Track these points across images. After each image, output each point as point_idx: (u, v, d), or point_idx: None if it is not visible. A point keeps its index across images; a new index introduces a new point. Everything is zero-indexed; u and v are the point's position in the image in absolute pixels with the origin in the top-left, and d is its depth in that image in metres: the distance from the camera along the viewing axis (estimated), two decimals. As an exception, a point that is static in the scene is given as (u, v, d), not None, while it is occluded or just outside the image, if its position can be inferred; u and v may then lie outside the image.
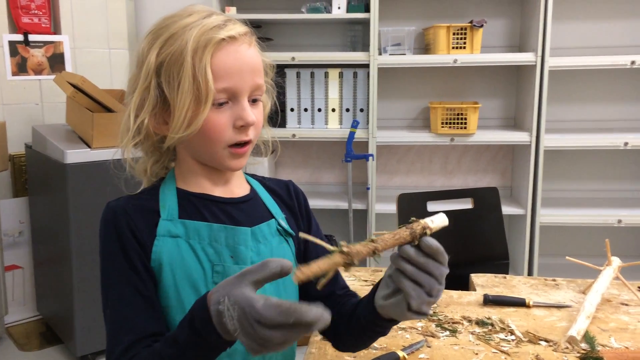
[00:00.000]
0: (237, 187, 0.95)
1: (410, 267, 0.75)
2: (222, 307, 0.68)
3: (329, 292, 0.97)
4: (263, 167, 2.77)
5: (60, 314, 2.59)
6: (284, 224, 0.95)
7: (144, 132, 0.87)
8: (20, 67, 2.74)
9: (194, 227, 0.87)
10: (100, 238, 0.88)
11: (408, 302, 0.76)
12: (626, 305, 1.37)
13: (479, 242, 1.98)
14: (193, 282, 0.85)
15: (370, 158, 2.80)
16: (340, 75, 2.88)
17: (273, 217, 0.95)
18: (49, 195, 2.55)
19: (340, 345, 1.00)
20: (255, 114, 0.86)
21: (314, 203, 2.96)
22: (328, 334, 0.98)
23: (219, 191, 0.92)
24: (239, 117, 0.84)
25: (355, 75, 2.87)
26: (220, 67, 0.82)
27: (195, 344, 0.72)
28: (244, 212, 0.92)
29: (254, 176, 1.02)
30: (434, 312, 1.32)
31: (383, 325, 0.85)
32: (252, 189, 0.97)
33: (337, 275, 1.00)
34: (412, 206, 1.95)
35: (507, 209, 2.74)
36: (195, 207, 0.89)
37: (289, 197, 1.01)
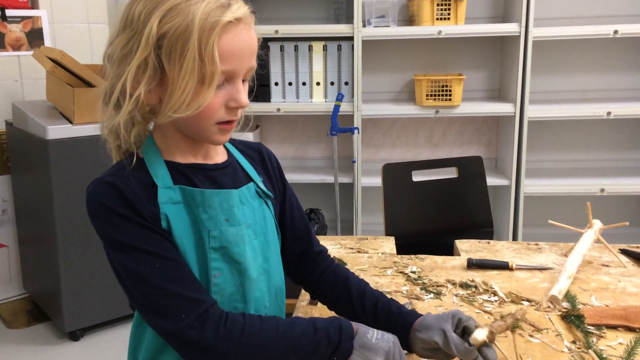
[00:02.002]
0: (218, 155, 0.95)
1: None
2: (371, 329, 0.86)
3: (306, 249, 1.05)
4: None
5: (47, 292, 2.58)
6: (262, 186, 0.96)
7: (137, 103, 0.83)
8: (-2, 43, 2.68)
9: (190, 193, 0.86)
10: (102, 217, 0.82)
11: None
12: (607, 266, 1.39)
13: (463, 211, 2.00)
14: (194, 248, 0.85)
15: (356, 131, 2.80)
16: (324, 48, 2.86)
17: (252, 180, 0.96)
18: (31, 172, 2.52)
19: (328, 306, 1.05)
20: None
21: (300, 177, 2.97)
22: (312, 291, 1.06)
23: (202, 159, 0.92)
24: (233, 98, 0.84)
25: (339, 48, 2.85)
26: (224, 50, 0.80)
27: (328, 333, 0.83)
28: (228, 176, 0.93)
29: None
30: (418, 277, 1.33)
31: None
32: (230, 154, 0.98)
33: (311, 234, 1.06)
34: (397, 176, 1.95)
35: (491, 180, 2.77)
36: (185, 175, 0.88)
37: (262, 160, 1.03)
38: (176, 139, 0.89)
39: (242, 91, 0.85)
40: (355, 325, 0.86)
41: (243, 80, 0.86)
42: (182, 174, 0.88)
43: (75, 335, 2.47)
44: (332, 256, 1.21)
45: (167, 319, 0.80)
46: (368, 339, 0.84)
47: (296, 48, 2.86)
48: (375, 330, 0.86)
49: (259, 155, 1.03)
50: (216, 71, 0.79)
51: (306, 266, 1.05)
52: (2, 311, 2.73)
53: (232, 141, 1.02)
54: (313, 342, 0.83)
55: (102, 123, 0.89)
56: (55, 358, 2.36)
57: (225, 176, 0.92)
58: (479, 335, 0.86)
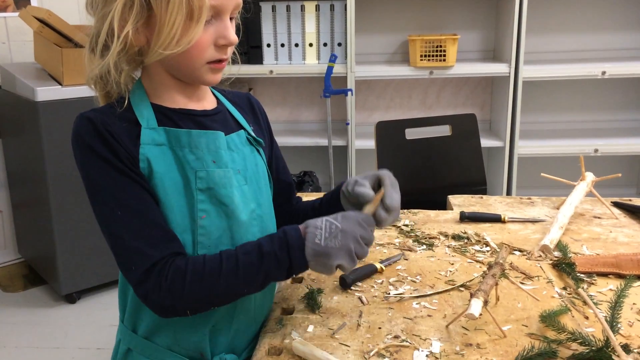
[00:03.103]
0: (207, 101, 0.95)
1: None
2: (320, 224, 0.82)
3: (286, 201, 1.09)
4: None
5: (42, 255, 2.58)
6: (253, 134, 0.96)
7: (125, 44, 0.81)
8: (-17, 5, 2.62)
9: (175, 134, 0.86)
10: (80, 152, 0.83)
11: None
12: (599, 218, 1.40)
13: (457, 169, 2.00)
14: (179, 190, 0.85)
15: (350, 93, 2.77)
16: (317, 8, 2.81)
17: (242, 127, 0.95)
18: (22, 136, 2.50)
19: None
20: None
21: (293, 140, 2.95)
22: None
23: (192, 105, 0.91)
24: (221, 35, 0.83)
25: (332, 8, 2.80)
26: None
27: (275, 256, 0.81)
28: (218, 123, 0.92)
29: (215, 88, 1.01)
30: (411, 230, 1.34)
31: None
32: (219, 101, 0.97)
33: (293, 187, 1.10)
34: (390, 134, 1.94)
35: (486, 142, 2.76)
36: (172, 120, 0.87)
37: (252, 109, 1.03)
38: (165, 81, 0.88)
39: (230, 28, 0.84)
40: (303, 229, 0.82)
41: (230, 18, 0.85)
42: (169, 119, 0.87)
43: (71, 298, 2.48)
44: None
45: (121, 266, 0.83)
46: (316, 243, 0.80)
47: (288, 8, 2.81)
48: (322, 228, 0.81)
49: (249, 104, 1.03)
50: (204, 5, 0.78)
51: (283, 216, 1.05)
52: (-2, 275, 2.73)
53: (222, 90, 1.01)
54: (262, 272, 0.81)
55: (90, 72, 0.87)
56: (52, 320, 2.37)
57: (214, 122, 0.91)
58: (475, 310, 0.85)
